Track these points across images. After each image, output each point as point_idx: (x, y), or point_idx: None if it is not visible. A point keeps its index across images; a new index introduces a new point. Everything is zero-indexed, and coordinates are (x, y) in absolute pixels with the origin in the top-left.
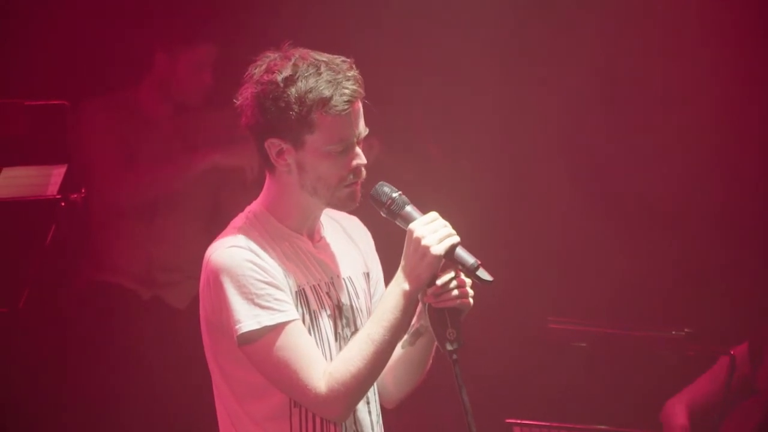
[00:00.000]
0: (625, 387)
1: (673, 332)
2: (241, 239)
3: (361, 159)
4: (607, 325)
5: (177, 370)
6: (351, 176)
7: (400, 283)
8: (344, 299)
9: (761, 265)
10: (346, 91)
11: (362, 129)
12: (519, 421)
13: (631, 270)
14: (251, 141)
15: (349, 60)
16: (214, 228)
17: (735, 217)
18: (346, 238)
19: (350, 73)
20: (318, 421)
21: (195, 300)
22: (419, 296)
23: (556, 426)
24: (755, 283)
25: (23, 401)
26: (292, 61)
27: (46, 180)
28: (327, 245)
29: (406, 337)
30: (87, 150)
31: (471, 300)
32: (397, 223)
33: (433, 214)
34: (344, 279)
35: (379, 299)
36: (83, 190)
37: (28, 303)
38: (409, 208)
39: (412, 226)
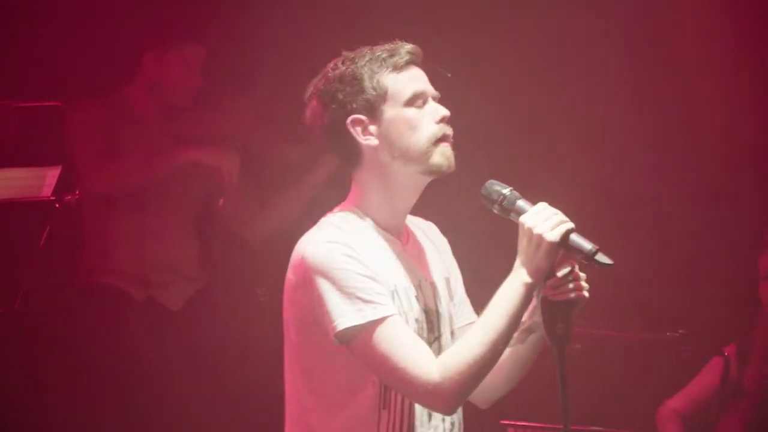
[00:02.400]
0: (619, 388)
1: (668, 333)
2: (335, 235)
3: (442, 110)
4: (601, 327)
5: (171, 371)
6: (438, 128)
7: (519, 274)
8: (429, 303)
9: (749, 267)
10: (404, 50)
11: (432, 89)
12: (513, 423)
13: (626, 271)
14: (331, 148)
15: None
16: (205, 229)
17: (729, 217)
18: (428, 242)
19: (404, 42)
20: (406, 425)
21: (189, 302)
22: (535, 290)
23: (550, 427)
24: (742, 285)
25: (18, 402)
26: (344, 53)
27: (40, 181)
28: (414, 248)
29: (516, 334)
30: (80, 151)
31: (586, 294)
32: (511, 218)
33: (543, 204)
34: (429, 283)
35: (460, 302)
36: (77, 192)
37: (23, 304)
38: (521, 203)
39: (522, 218)
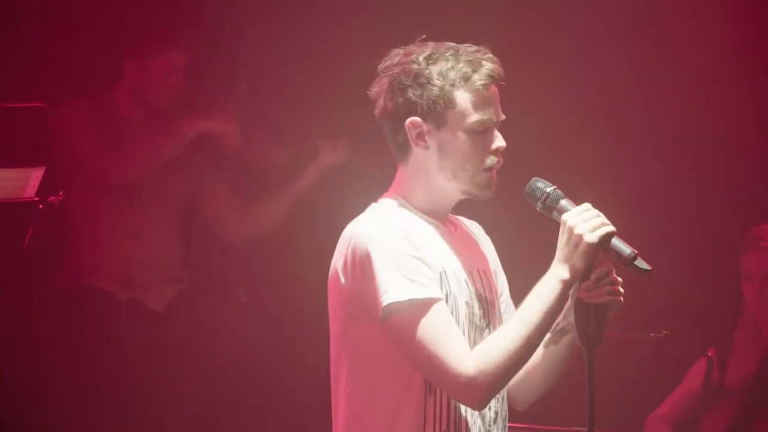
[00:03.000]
0: (604, 389)
1: (652, 334)
2: (387, 215)
3: (501, 142)
4: None
5: (155, 372)
6: (490, 159)
7: (556, 271)
8: (480, 290)
9: (732, 267)
10: (487, 68)
11: (500, 113)
12: (516, 425)
13: None
14: (384, 131)
15: (483, 48)
16: (189, 231)
17: (712, 217)
18: (473, 237)
19: (488, 56)
20: (452, 414)
21: (172, 302)
22: (570, 290)
23: (535, 428)
24: (726, 285)
25: (0, 401)
26: (430, 45)
27: (24, 182)
28: (463, 237)
29: (549, 335)
30: (63, 152)
31: (622, 298)
32: (553, 216)
33: (587, 205)
34: (479, 271)
35: (506, 301)
36: (61, 193)
37: (6, 305)
38: (564, 202)
39: (565, 216)
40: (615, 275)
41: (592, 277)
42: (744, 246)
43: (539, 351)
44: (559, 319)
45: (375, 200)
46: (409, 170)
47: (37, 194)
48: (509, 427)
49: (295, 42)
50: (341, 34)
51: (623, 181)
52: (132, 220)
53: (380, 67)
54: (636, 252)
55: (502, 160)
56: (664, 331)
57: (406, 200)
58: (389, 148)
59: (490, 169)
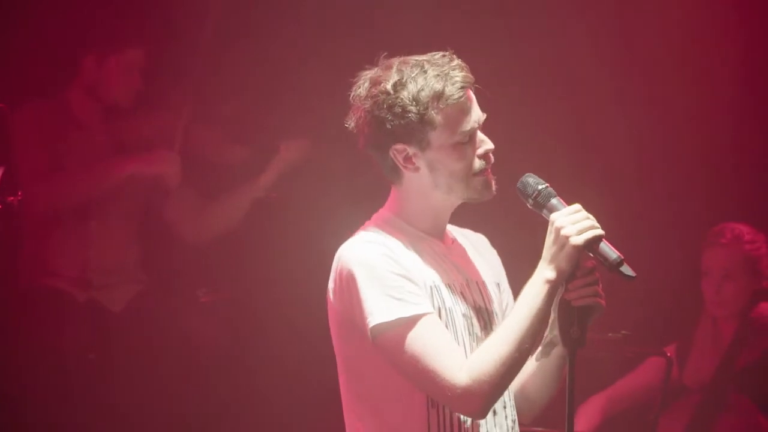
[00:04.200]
0: (560, 389)
1: (610, 334)
2: (373, 236)
3: (488, 144)
4: None
5: (113, 372)
6: (480, 163)
7: (542, 271)
8: (479, 301)
9: (690, 267)
10: (457, 79)
11: (480, 114)
12: None
13: None
14: (372, 158)
15: (447, 53)
16: (147, 231)
17: (671, 215)
18: (474, 250)
19: (455, 63)
20: (456, 424)
21: (130, 303)
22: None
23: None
24: (683, 284)
25: None
26: (395, 67)
27: None
28: (458, 250)
29: (540, 348)
30: (22, 153)
31: (603, 302)
32: (543, 214)
33: (577, 206)
34: (477, 283)
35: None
36: (20, 193)
37: None
38: (555, 201)
39: (553, 216)
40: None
41: (578, 273)
42: (704, 244)
43: (531, 365)
44: (547, 332)
45: (351, 206)
46: (404, 191)
47: None
48: None
49: (255, 40)
50: (300, 34)
51: (586, 178)
52: (90, 220)
53: (351, 96)
54: (622, 257)
55: (492, 159)
56: (623, 332)
57: (401, 217)
58: (381, 172)
59: (482, 172)
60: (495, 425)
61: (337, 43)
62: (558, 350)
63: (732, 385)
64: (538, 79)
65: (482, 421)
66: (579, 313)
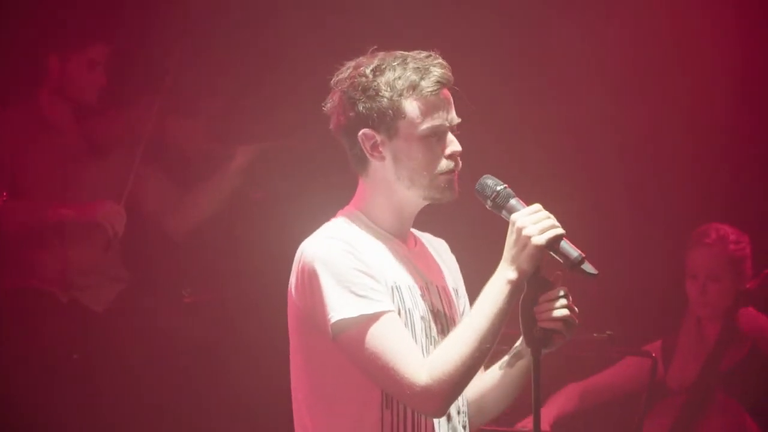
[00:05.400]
0: (546, 389)
1: (595, 334)
2: (336, 232)
3: (456, 146)
4: None
5: (97, 372)
6: (446, 163)
7: (503, 271)
8: (437, 305)
9: (676, 266)
10: (435, 74)
11: (454, 116)
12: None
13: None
14: (343, 144)
15: (433, 53)
16: (127, 231)
17: (655, 215)
18: (436, 255)
19: (437, 61)
20: (410, 426)
21: (113, 303)
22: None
23: (489, 429)
24: (669, 284)
25: None
26: (379, 56)
27: None
28: (421, 253)
29: (506, 358)
30: (2, 154)
31: (574, 321)
32: (502, 215)
33: (537, 206)
34: (438, 287)
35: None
36: (5, 194)
37: None
38: (514, 201)
39: (514, 216)
40: (570, 301)
41: (541, 299)
42: (689, 244)
43: (494, 374)
44: (517, 343)
45: (338, 205)
46: (369, 183)
47: None
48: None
49: (228, 34)
50: (274, 27)
51: (567, 181)
52: (68, 220)
53: (332, 81)
54: (583, 255)
55: (460, 163)
56: (608, 332)
57: (366, 214)
58: (349, 162)
59: (447, 173)
60: (449, 429)
61: (325, 38)
62: (523, 363)
63: (717, 385)
64: (528, 80)
65: (436, 425)
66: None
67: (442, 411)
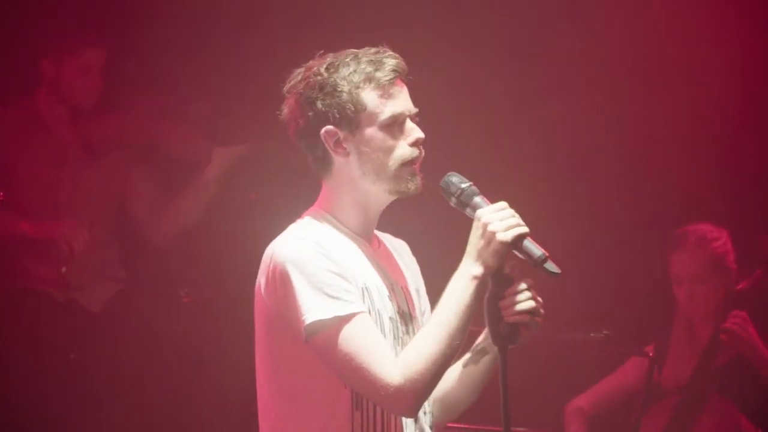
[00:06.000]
0: (543, 388)
1: (591, 334)
2: (306, 232)
3: (418, 132)
4: None
5: (94, 372)
6: (410, 151)
7: (468, 267)
8: (403, 306)
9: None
10: (389, 64)
11: (411, 105)
12: (455, 425)
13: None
14: (304, 151)
15: (382, 47)
16: (122, 231)
17: (649, 215)
18: (397, 255)
19: (388, 53)
20: (380, 427)
21: (109, 303)
22: (487, 302)
23: (472, 428)
24: (663, 284)
25: None
26: (329, 56)
27: None
28: (385, 253)
29: (469, 355)
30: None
31: (540, 319)
32: (467, 213)
33: (502, 204)
34: (402, 288)
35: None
36: (2, 194)
37: None
38: (479, 199)
39: (479, 212)
40: (534, 292)
41: (506, 293)
42: (669, 249)
43: (457, 370)
44: (480, 339)
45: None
46: (333, 182)
47: None
48: (449, 427)
49: (218, 38)
50: (262, 32)
51: (562, 182)
52: (63, 219)
53: (285, 88)
54: (546, 254)
55: (422, 151)
56: (605, 332)
57: (332, 215)
58: (311, 167)
59: (411, 162)
60: (416, 430)
61: (315, 40)
62: (488, 359)
63: (711, 385)
64: (527, 80)
65: (404, 426)
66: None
67: (415, 410)
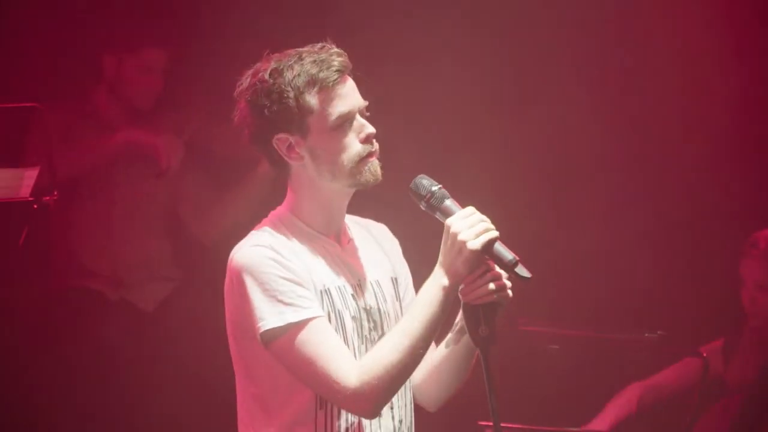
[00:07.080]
0: (597, 389)
1: (646, 334)
2: (264, 238)
3: (368, 128)
4: (580, 328)
5: (147, 372)
6: (363, 148)
7: (438, 278)
8: (371, 302)
9: (733, 265)
10: (334, 64)
11: (361, 100)
12: (491, 423)
13: (604, 271)
14: (260, 155)
15: (326, 44)
16: (174, 230)
17: (709, 217)
18: (374, 243)
19: (333, 50)
20: (343, 425)
21: (163, 303)
22: (459, 293)
23: (527, 428)
24: (728, 282)
25: None
26: (274, 59)
27: (18, 182)
28: (355, 249)
29: (450, 335)
30: (55, 153)
31: (510, 292)
32: (437, 216)
33: (471, 209)
34: (371, 282)
35: (410, 303)
36: (55, 193)
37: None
38: (449, 202)
39: (449, 221)
40: (497, 270)
41: (467, 279)
42: (742, 253)
43: (441, 352)
44: (458, 318)
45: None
46: (294, 185)
47: (32, 194)
48: (503, 427)
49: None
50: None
51: (614, 184)
52: (116, 219)
53: (235, 93)
54: (517, 258)
55: (376, 145)
56: (659, 332)
57: (296, 215)
58: (271, 170)
59: (367, 156)
60: (380, 427)
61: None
62: (468, 338)
63: None
64: (521, 87)
65: (366, 424)
66: (484, 311)
67: (375, 412)
